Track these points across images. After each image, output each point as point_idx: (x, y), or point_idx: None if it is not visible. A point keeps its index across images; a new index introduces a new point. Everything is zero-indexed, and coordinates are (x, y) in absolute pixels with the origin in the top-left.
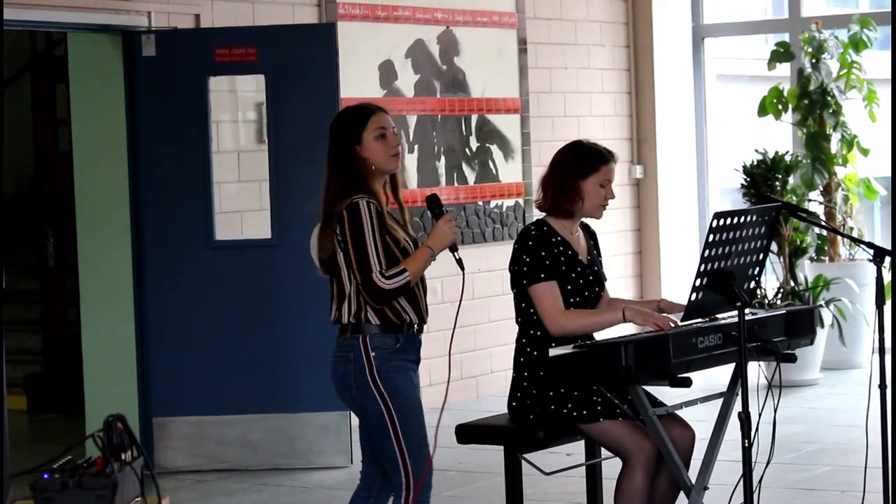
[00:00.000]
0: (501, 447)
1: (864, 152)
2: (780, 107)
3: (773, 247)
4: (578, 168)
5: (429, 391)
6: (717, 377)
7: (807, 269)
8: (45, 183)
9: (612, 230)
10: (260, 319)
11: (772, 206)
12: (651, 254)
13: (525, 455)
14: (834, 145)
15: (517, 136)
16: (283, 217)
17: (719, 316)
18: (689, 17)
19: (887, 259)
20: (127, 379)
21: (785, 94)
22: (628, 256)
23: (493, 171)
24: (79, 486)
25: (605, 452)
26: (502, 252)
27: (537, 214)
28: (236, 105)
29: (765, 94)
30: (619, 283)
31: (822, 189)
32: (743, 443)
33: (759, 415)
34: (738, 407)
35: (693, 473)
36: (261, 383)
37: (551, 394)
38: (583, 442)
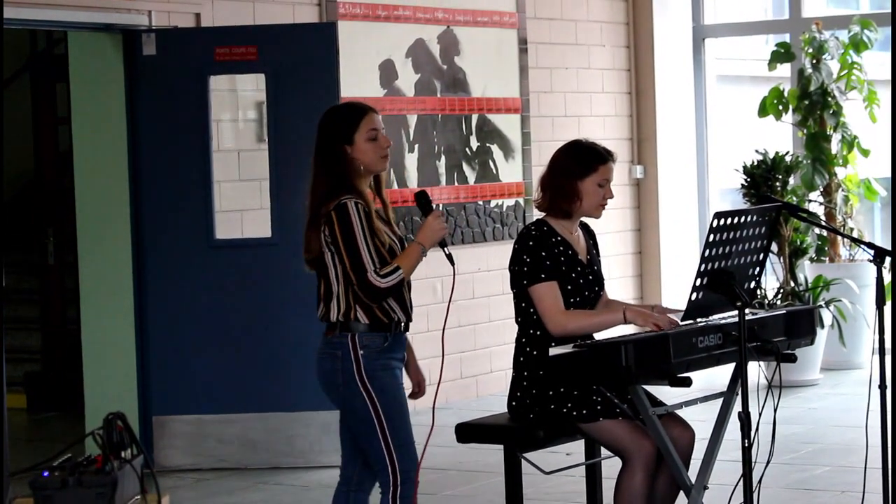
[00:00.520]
0: (501, 446)
1: (865, 153)
2: (780, 107)
3: (774, 247)
4: (577, 168)
5: (427, 390)
6: (717, 377)
7: (807, 270)
8: (46, 181)
9: (612, 230)
10: (260, 318)
11: (772, 206)
12: (651, 254)
13: (525, 454)
14: (834, 146)
15: (517, 135)
16: (284, 216)
17: (719, 316)
18: (689, 17)
19: (887, 260)
20: (127, 377)
21: (785, 94)
22: (628, 256)
23: (494, 171)
24: (79, 483)
25: (604, 452)
26: (502, 252)
27: (537, 214)
28: (236, 104)
29: (765, 94)
30: (619, 283)
31: (822, 190)
32: (743, 443)
33: (759, 415)
34: (737, 407)
35: (693, 473)
36: (260, 382)
37: (551, 393)
38: (582, 441)
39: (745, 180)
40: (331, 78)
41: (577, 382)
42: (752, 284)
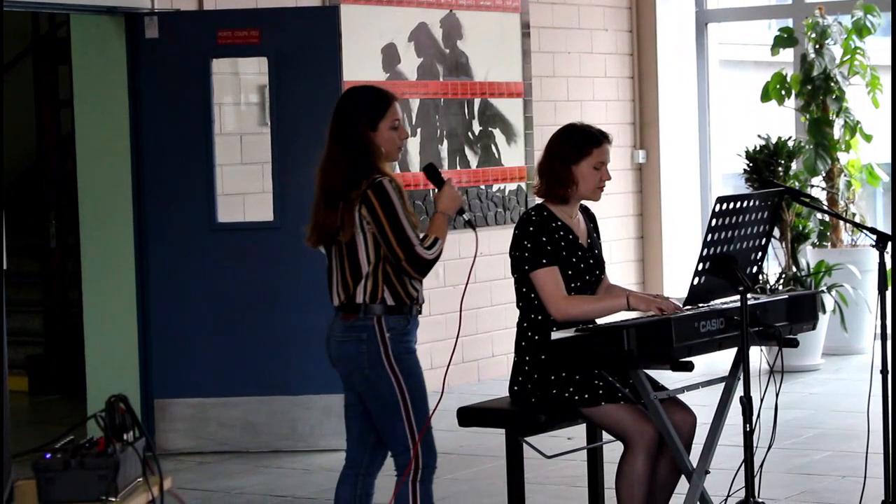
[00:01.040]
0: (503, 430)
1: (867, 138)
2: (783, 92)
3: (776, 232)
4: (571, 153)
5: (429, 374)
6: (718, 362)
7: (809, 255)
8: (47, 165)
9: (614, 215)
10: (261, 302)
11: (774, 191)
12: (653, 239)
13: (526, 438)
14: (837, 131)
15: (520, 119)
16: (286, 200)
17: (721, 301)
18: (692, 1)
19: (889, 245)
20: (128, 360)
21: (788, 79)
22: (630, 241)
23: (496, 155)
24: (81, 465)
25: (606, 436)
26: (504, 236)
27: (539, 199)
28: (239, 87)
29: (768, 79)
30: (620, 267)
31: (824, 175)
32: (744, 427)
33: (761, 400)
34: (739, 391)
35: (694, 458)
36: (262, 365)
37: (553, 378)
38: (584, 426)
39: (748, 165)
40: (333, 61)
41: (579, 367)
42: (755, 269)
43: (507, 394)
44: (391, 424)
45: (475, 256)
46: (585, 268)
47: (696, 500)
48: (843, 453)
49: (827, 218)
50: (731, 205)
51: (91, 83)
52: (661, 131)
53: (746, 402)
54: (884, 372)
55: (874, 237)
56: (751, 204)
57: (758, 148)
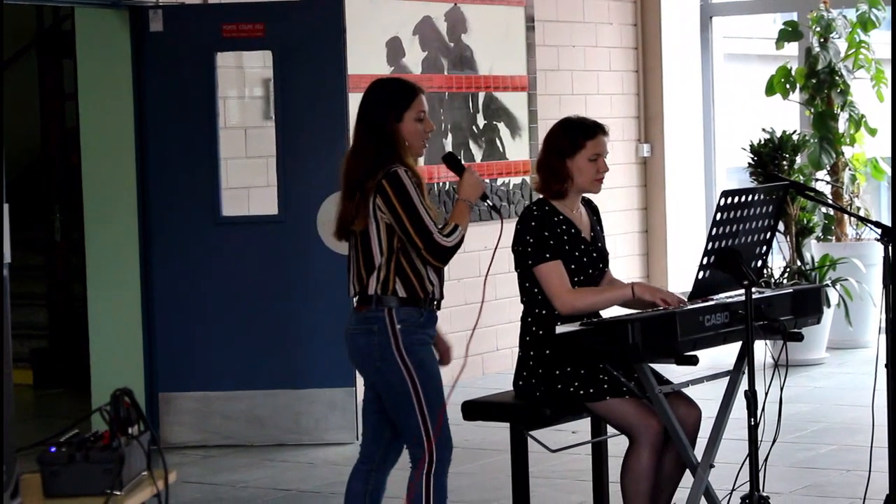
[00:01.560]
0: (507, 424)
1: (872, 132)
2: (787, 86)
3: (780, 226)
4: (566, 146)
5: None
6: (723, 356)
7: (813, 249)
8: (52, 158)
9: (618, 209)
10: (266, 295)
11: (779, 184)
12: (658, 232)
13: (531, 432)
14: (841, 125)
15: (524, 113)
16: (290, 193)
17: (726, 294)
18: None
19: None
20: (133, 354)
21: (793, 73)
22: (635, 235)
23: (500, 149)
24: (86, 459)
25: (611, 430)
26: (508, 230)
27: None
28: (243, 81)
29: (773, 73)
30: (625, 261)
31: (829, 169)
32: (749, 421)
33: (766, 393)
34: (744, 385)
35: (699, 452)
36: (267, 359)
37: (558, 372)
38: (588, 420)
39: (752, 159)
40: (338, 55)
41: (583, 361)
42: (759, 263)
43: (512, 388)
44: (405, 416)
45: (497, 243)
46: (589, 261)
47: (700, 494)
48: (848, 447)
49: (832, 212)
50: (736, 199)
51: (95, 77)
52: (665, 125)
53: (751, 396)
54: (888, 366)
55: (879, 231)
56: (755, 198)
57: (762, 142)
